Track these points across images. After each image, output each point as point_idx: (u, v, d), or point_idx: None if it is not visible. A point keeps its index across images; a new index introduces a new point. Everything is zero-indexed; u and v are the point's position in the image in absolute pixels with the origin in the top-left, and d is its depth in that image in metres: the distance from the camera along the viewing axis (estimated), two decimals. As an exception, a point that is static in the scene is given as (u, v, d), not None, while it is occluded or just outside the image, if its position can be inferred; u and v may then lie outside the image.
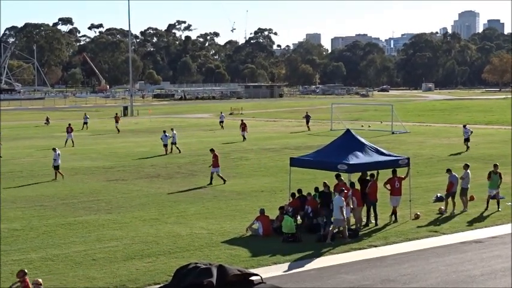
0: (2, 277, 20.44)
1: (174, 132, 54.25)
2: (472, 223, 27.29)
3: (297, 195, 27.79)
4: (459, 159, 45.14)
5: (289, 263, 21.95)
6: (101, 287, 19.54)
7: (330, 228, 24.62)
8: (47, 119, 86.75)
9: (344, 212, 24.39)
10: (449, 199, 29.27)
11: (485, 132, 67.96)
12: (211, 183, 36.96)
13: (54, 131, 74.95)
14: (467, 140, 53.25)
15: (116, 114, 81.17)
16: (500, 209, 29.20)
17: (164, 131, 54.24)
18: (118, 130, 74.55)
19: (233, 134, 70.13)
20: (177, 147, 53.31)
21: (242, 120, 66.34)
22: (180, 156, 50.45)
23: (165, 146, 52.57)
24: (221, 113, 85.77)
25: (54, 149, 41.69)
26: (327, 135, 63.82)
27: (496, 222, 27.34)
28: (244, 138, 62.57)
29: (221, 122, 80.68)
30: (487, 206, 29.41)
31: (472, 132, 54.67)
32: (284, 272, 21.10)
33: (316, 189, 27.68)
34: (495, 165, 30.65)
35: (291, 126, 77.06)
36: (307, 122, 75.15)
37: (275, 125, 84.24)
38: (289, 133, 70.47)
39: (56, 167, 40.44)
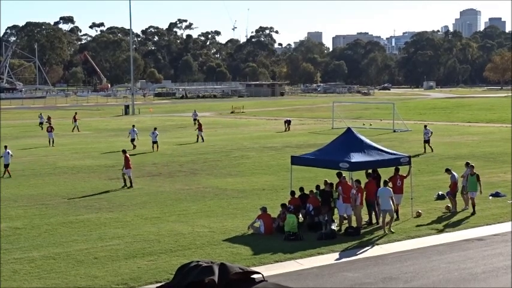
0: (3, 275, 20.45)
1: (135, 129, 56.84)
2: (474, 221, 27.27)
3: (297, 193, 27.81)
4: (459, 157, 45.06)
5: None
6: (102, 286, 19.56)
7: (381, 220, 25.81)
8: (49, 118, 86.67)
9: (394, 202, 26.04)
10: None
11: (487, 131, 67.96)
12: (125, 185, 36.37)
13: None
14: (427, 141, 50.75)
15: (75, 113, 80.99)
16: (475, 212, 28.34)
17: (155, 128, 55.71)
18: (73, 129, 74.35)
19: (233, 132, 70.20)
20: (134, 144, 55.34)
21: (198, 121, 63.77)
22: (181, 154, 50.50)
23: (154, 143, 53.43)
24: (194, 111, 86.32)
25: (5, 147, 42.09)
26: (328, 133, 63.83)
27: (498, 220, 27.32)
28: (203, 139, 60.30)
29: (195, 120, 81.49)
30: (474, 210, 28.51)
31: (432, 133, 52.53)
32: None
33: (318, 187, 27.70)
34: (471, 167, 29.71)
35: (292, 125, 76.88)
36: (288, 124, 73.13)
37: (276, 123, 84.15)
38: (283, 132, 70.43)
39: (6, 166, 40.96)
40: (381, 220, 26.21)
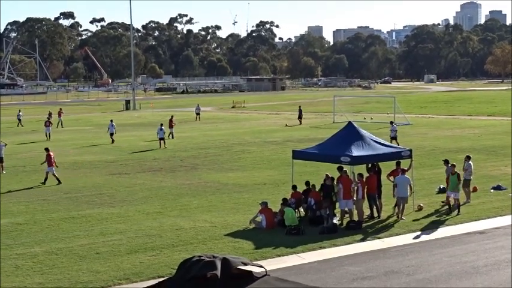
0: (6, 271, 20.47)
1: (113, 124, 57.57)
2: (476, 214, 27.25)
3: (298, 187, 27.82)
4: (460, 150, 45.00)
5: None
6: (105, 280, 19.57)
7: (400, 207, 26.55)
8: (50, 114, 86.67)
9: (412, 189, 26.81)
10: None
11: (488, 124, 67.95)
12: (44, 182, 36.25)
13: (56, 124, 74.89)
14: (394, 138, 49.25)
15: (60, 109, 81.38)
16: (459, 213, 27.23)
17: (161, 124, 54.79)
18: (58, 125, 74.36)
19: (234, 126, 70.19)
20: (112, 139, 56.59)
21: (172, 117, 62.70)
22: (182, 149, 50.50)
23: (161, 139, 52.76)
24: (198, 105, 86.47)
25: None
26: (329, 127, 63.81)
27: (500, 213, 27.31)
28: (173, 136, 59.12)
29: (198, 114, 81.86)
30: (452, 209, 27.45)
31: (396, 131, 51.81)
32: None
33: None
34: (452, 166, 28.57)
35: (293, 119, 76.97)
36: (300, 117, 73.80)
37: (277, 117, 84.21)
38: (284, 126, 70.38)
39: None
40: (396, 209, 26.93)
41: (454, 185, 27.71)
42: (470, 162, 30.43)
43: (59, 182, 36.07)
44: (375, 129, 58.17)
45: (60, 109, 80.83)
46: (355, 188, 26.25)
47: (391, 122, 54.29)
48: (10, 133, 66.72)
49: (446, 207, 28.10)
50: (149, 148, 51.81)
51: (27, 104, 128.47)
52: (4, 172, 40.60)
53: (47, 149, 37.98)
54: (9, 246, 23.26)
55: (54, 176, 36.48)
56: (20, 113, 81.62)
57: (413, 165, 28.90)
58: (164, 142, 52.52)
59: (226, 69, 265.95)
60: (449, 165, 29.22)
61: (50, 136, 61.18)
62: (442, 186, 31.62)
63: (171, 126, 60.13)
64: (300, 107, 77.82)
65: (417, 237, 24.01)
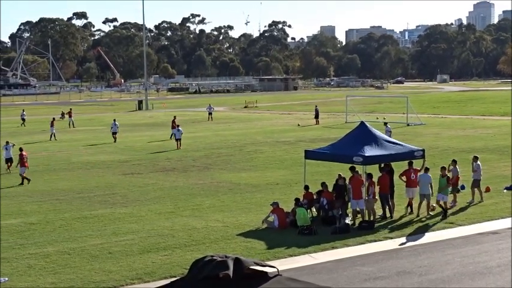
0: (19, 271, 20.55)
1: (116, 123, 58.50)
2: (488, 214, 27.13)
3: (310, 188, 27.78)
4: (473, 150, 44.79)
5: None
6: (117, 280, 19.60)
7: (425, 203, 26.97)
8: (62, 114, 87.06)
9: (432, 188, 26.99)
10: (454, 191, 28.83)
11: (501, 124, 67.62)
12: (28, 181, 36.48)
13: (68, 125, 75.20)
14: None
15: (70, 109, 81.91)
16: (447, 217, 26.55)
17: (178, 125, 54.78)
18: (70, 125, 75.18)
19: (247, 126, 70.18)
20: (114, 137, 57.42)
21: (174, 117, 62.11)
22: (195, 149, 50.56)
23: (178, 140, 52.50)
24: (209, 104, 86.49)
25: (7, 142, 42.50)
26: (341, 127, 63.71)
27: (513, 214, 27.17)
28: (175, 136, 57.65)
29: (210, 113, 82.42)
30: (444, 214, 26.78)
31: (391, 132, 50.83)
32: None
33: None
34: (443, 168, 28.03)
35: (305, 119, 76.92)
36: (317, 116, 73.99)
37: (290, 117, 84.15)
38: (296, 126, 70.33)
39: (8, 160, 41.30)
40: (416, 205, 27.08)
41: (443, 186, 27.27)
42: (478, 162, 30.26)
43: (22, 183, 36.30)
44: (388, 129, 58.01)
45: (70, 109, 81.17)
46: (365, 186, 26.26)
47: (385, 123, 53.84)
48: (23, 133, 66.96)
49: (450, 209, 27.56)
50: (162, 148, 51.89)
51: (40, 104, 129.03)
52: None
53: (21, 149, 38.31)
54: (22, 245, 23.35)
55: (21, 176, 36.76)
56: (24, 113, 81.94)
57: (425, 165, 28.78)
58: (180, 143, 52.30)
59: (239, 69, 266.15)
60: (456, 168, 29.03)
61: (52, 136, 61.31)
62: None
63: (173, 127, 59.42)
64: (316, 106, 77.86)
65: (430, 237, 23.92)
